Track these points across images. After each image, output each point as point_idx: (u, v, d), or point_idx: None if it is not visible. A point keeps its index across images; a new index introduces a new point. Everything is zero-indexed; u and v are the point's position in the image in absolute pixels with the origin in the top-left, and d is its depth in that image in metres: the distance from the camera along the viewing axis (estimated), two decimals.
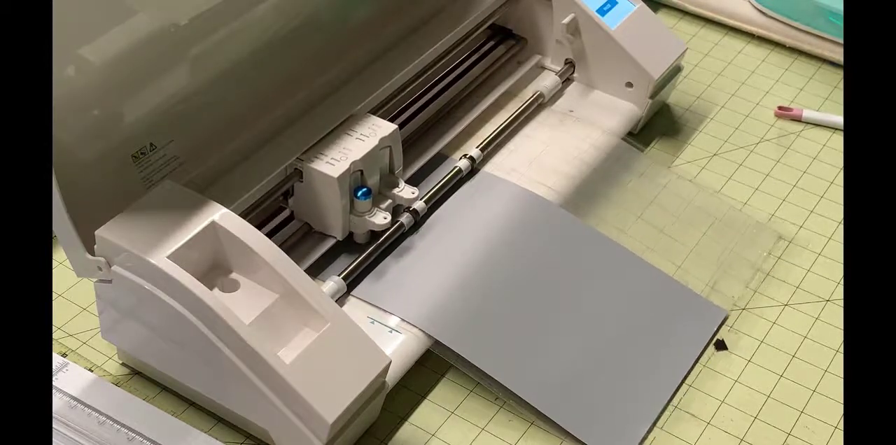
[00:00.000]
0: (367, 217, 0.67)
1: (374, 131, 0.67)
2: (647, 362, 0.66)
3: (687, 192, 0.78)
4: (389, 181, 0.69)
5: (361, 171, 0.66)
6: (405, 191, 0.69)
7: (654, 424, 0.64)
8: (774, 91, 0.90)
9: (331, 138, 0.66)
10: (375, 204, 0.68)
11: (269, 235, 0.67)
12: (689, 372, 0.67)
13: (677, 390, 0.66)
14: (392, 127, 0.67)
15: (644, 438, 0.63)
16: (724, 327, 0.70)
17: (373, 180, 0.67)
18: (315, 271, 0.67)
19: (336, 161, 0.64)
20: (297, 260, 0.62)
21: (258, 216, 0.66)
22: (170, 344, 0.58)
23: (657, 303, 0.70)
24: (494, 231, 0.71)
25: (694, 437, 0.64)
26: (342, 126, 0.67)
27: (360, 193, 0.66)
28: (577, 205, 0.75)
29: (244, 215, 0.63)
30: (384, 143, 0.67)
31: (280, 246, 0.57)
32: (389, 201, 0.69)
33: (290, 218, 0.69)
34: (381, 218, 0.67)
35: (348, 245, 0.69)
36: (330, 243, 0.68)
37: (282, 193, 0.66)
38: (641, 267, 0.71)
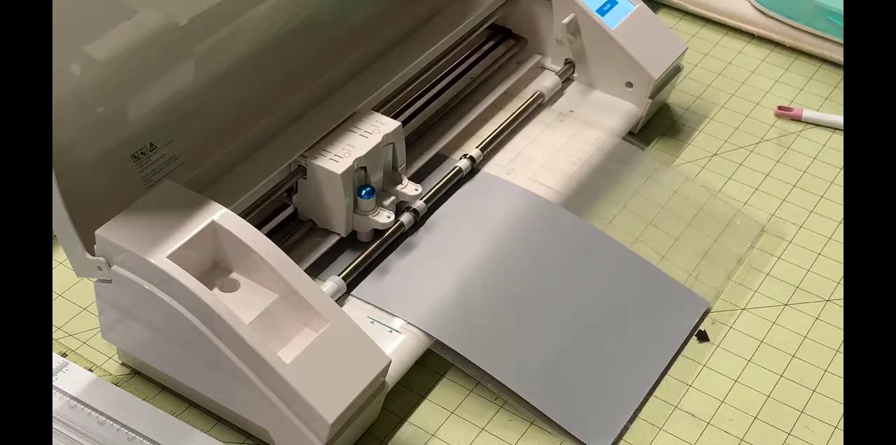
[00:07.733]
0: (370, 216, 0.67)
1: (378, 128, 0.67)
2: (631, 352, 0.67)
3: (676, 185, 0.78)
4: (393, 178, 0.69)
5: (365, 168, 0.66)
6: (408, 188, 0.69)
7: (636, 415, 0.64)
8: (774, 91, 0.90)
9: (334, 135, 0.66)
10: (379, 201, 0.68)
11: (272, 233, 0.67)
12: (671, 363, 0.67)
13: (659, 381, 0.66)
14: (395, 124, 0.68)
15: (625, 427, 0.63)
16: (723, 327, 0.70)
17: (376, 177, 0.68)
18: (315, 271, 0.67)
19: (340, 158, 0.65)
20: (298, 260, 0.62)
21: (260, 214, 0.66)
22: (170, 343, 0.58)
23: (657, 303, 0.70)
24: (494, 231, 0.71)
25: (694, 437, 0.64)
26: (345, 123, 0.67)
27: (363, 193, 0.66)
28: (578, 205, 0.75)
29: (245, 214, 0.63)
30: (387, 140, 0.67)
31: (282, 243, 0.56)
32: (393, 198, 0.69)
33: (293, 216, 0.70)
34: (384, 216, 0.67)
35: (351, 243, 0.69)
36: (332, 240, 0.68)
37: (286, 190, 0.67)
38: (650, 270, 0.72)
